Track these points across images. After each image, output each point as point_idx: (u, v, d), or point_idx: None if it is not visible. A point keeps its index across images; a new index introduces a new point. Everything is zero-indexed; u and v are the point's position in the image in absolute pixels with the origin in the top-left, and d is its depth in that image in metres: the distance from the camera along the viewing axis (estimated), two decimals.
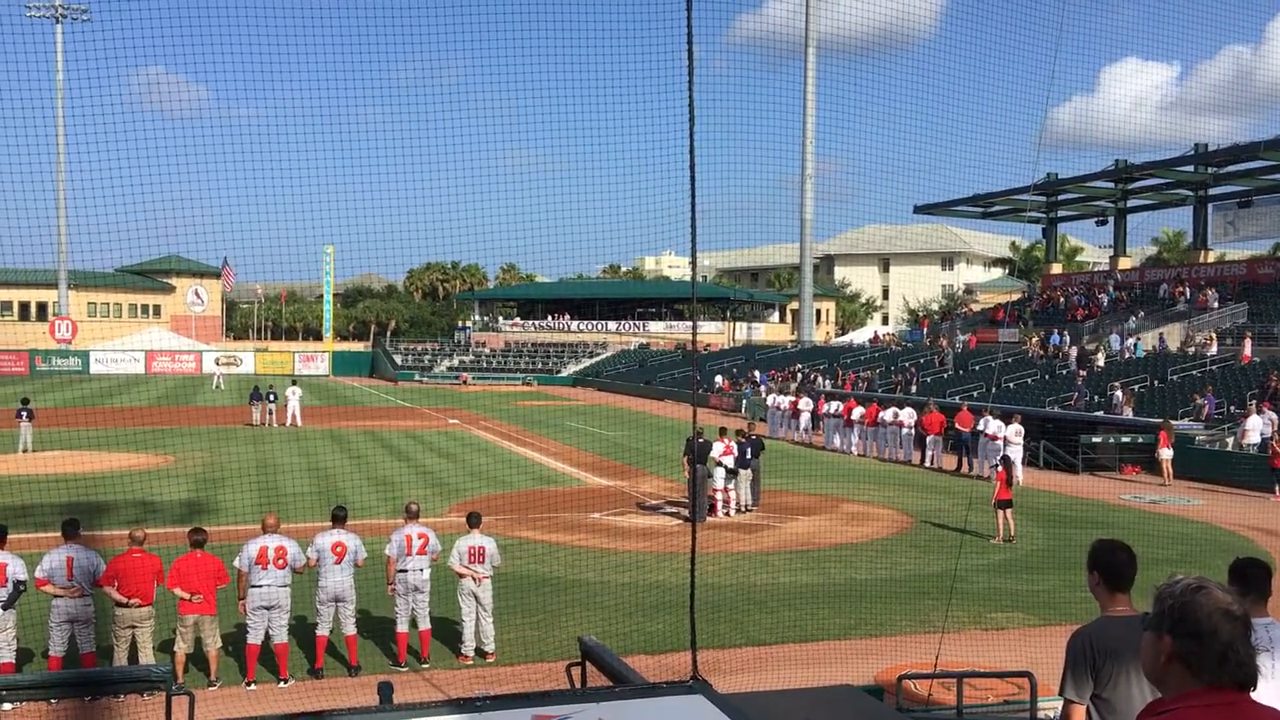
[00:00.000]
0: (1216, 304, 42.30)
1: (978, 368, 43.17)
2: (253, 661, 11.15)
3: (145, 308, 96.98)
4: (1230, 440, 28.65)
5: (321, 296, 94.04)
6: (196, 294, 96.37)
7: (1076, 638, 4.42)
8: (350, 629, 11.61)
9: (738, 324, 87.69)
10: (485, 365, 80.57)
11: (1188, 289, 45.29)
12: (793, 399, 39.17)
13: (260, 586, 11.13)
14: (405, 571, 11.81)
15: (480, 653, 12.04)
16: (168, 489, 22.65)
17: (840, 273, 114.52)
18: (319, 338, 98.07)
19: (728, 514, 21.60)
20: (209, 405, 49.34)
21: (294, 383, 43.05)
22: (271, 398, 40.56)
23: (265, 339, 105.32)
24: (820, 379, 49.83)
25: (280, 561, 11.20)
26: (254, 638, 11.16)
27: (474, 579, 11.94)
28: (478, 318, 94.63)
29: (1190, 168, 44.63)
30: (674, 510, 22.26)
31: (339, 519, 11.89)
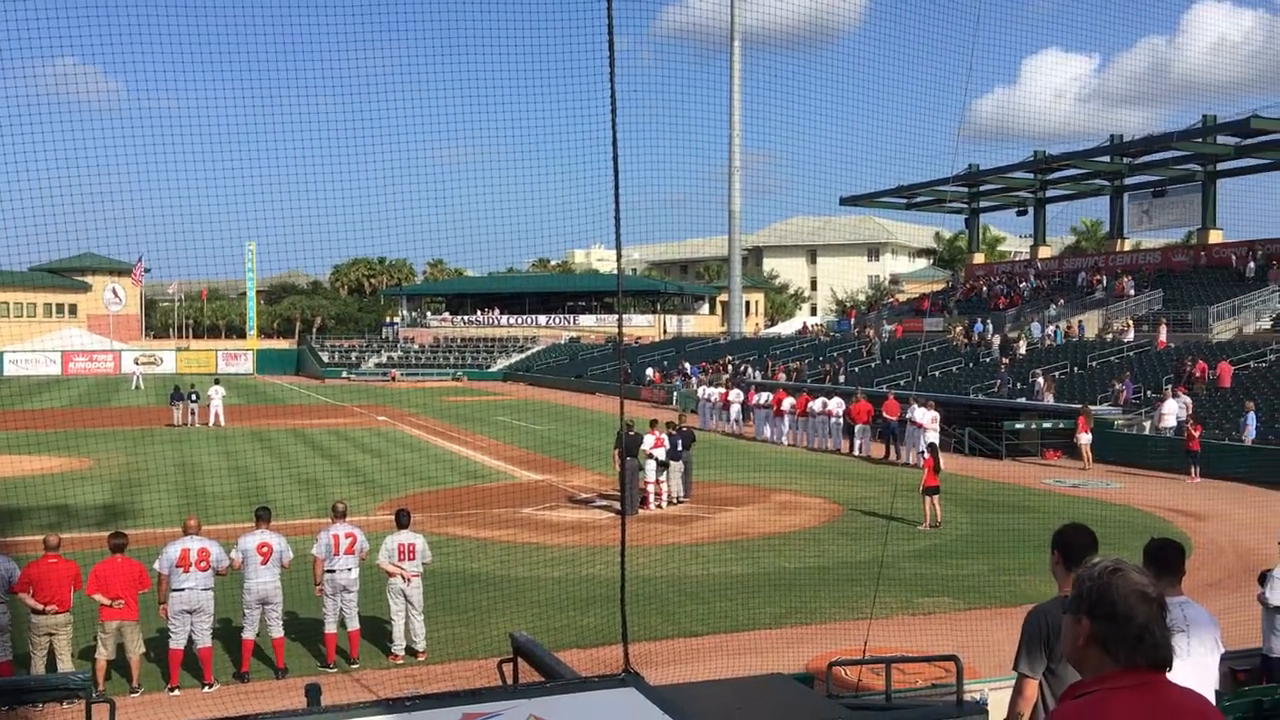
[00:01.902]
0: (1133, 291, 43.37)
1: (904, 357, 43.77)
2: (176, 666, 10.92)
3: (60, 307, 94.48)
4: (1147, 424, 29.40)
5: (244, 293, 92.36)
6: (114, 292, 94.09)
7: (1032, 615, 4.57)
8: (277, 631, 11.42)
9: (668, 316, 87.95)
10: (414, 361, 79.82)
11: (1105, 277, 46.37)
12: (723, 390, 39.39)
13: (182, 590, 10.90)
14: (333, 571, 11.65)
15: (411, 651, 11.93)
16: (86, 492, 22.09)
17: (769, 264, 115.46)
18: (242, 335, 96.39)
19: (659, 506, 21.65)
20: (128, 406, 48.21)
21: (216, 382, 42.28)
22: (193, 397, 39.78)
23: (187, 337, 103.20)
24: (750, 370, 50.17)
25: (203, 564, 10.98)
26: (177, 642, 10.92)
27: (403, 577, 11.82)
28: (405, 313, 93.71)
29: (1106, 158, 45.64)
30: (605, 503, 22.25)
31: (263, 519, 11.69)
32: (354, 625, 11.77)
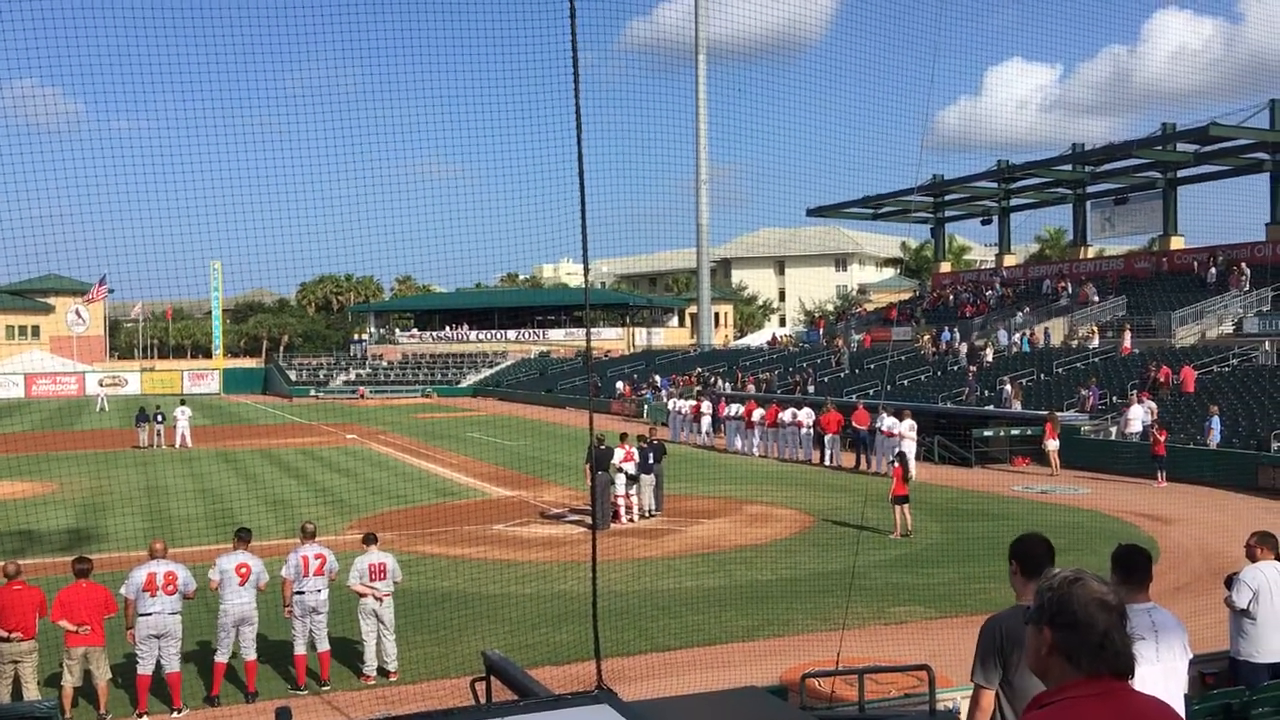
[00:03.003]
0: (1097, 298, 43.81)
1: (873, 366, 43.99)
2: (144, 692, 10.78)
3: (23, 329, 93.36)
4: (1113, 430, 29.67)
5: (210, 313, 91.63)
6: (77, 313, 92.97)
7: (988, 625, 4.54)
8: (251, 654, 11.30)
9: (637, 329, 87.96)
10: (383, 378, 79.41)
11: (1069, 284, 46.81)
12: (694, 402, 39.41)
13: (149, 615, 10.75)
14: (303, 593, 11.54)
15: (383, 672, 11.83)
16: (51, 517, 21.78)
17: (737, 276, 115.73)
18: (208, 355, 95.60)
19: (631, 520, 21.62)
20: (93, 429, 47.66)
21: (182, 402, 41.87)
22: (159, 419, 39.38)
23: (152, 358, 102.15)
24: (720, 382, 50.25)
25: (170, 588, 10.84)
26: (144, 668, 10.78)
27: (375, 597, 11.73)
28: (374, 330, 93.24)
29: (1068, 167, 46.15)
30: (577, 518, 22.19)
31: (243, 539, 11.61)
32: (324, 647, 11.66)
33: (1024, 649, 4.23)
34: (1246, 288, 38.54)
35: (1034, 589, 4.49)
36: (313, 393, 74.24)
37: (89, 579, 10.86)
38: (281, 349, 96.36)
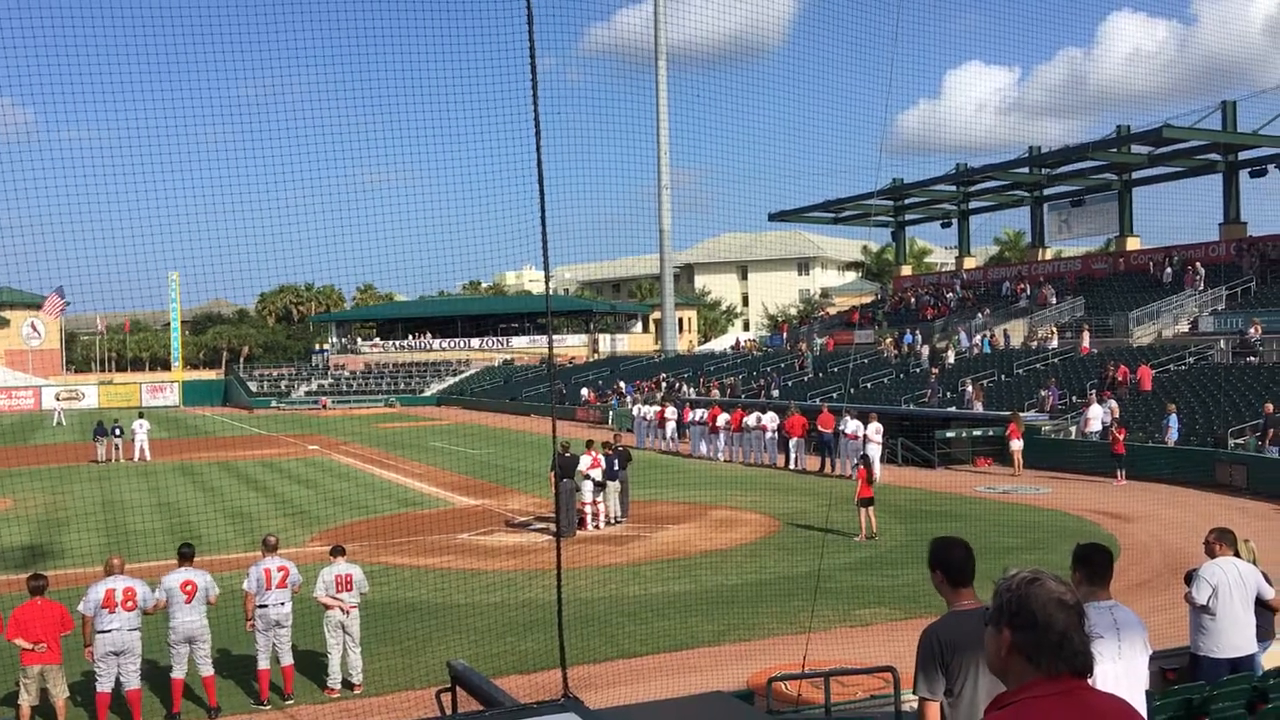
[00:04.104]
0: (1055, 299, 44.30)
1: (836, 370, 44.21)
2: (103, 710, 10.60)
3: None
4: (1073, 429, 29.97)
5: (168, 324, 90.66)
6: (33, 326, 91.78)
7: (925, 635, 4.43)
8: (207, 670, 11.14)
9: (602, 336, 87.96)
10: (345, 388, 78.87)
11: (1028, 286, 47.30)
12: (659, 408, 39.43)
13: (108, 631, 10.57)
14: (265, 606, 11.39)
15: (347, 684, 11.71)
16: (6, 534, 21.41)
17: (700, 281, 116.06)
18: (167, 367, 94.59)
19: (597, 527, 21.57)
20: (50, 443, 46.94)
21: (141, 415, 41.39)
22: (117, 432, 38.89)
23: (109, 371, 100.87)
24: (685, 387, 50.32)
25: (129, 604, 10.67)
26: (104, 685, 10.60)
27: (342, 609, 11.60)
28: (335, 340, 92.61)
29: (1026, 170, 46.65)
30: (543, 526, 22.11)
31: (186, 556, 11.40)
32: (287, 660, 11.51)
33: (964, 656, 4.23)
34: (1201, 287, 39.11)
35: (964, 594, 4.53)
36: (274, 404, 73.62)
37: (44, 596, 10.67)
38: (241, 360, 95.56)
